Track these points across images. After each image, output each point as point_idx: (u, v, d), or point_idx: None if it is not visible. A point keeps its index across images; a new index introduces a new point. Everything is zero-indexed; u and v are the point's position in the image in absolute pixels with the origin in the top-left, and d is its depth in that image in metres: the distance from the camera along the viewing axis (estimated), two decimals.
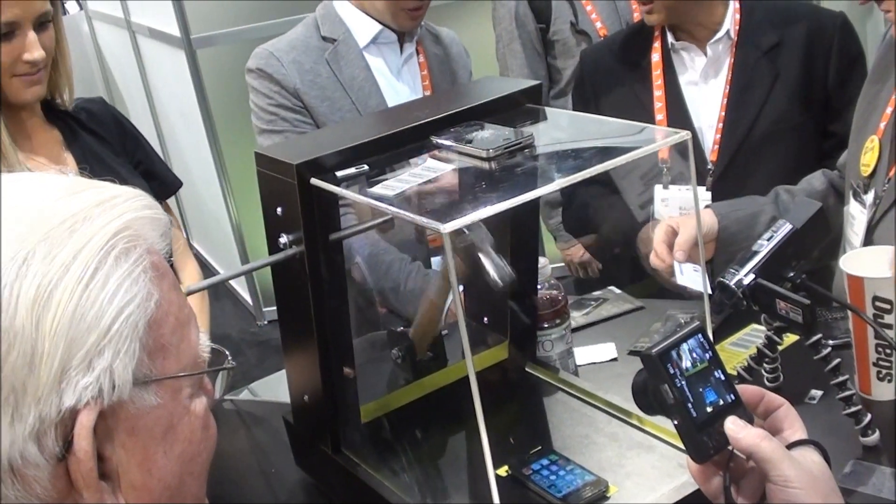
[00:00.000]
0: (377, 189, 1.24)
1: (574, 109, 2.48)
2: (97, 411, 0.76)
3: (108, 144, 2.05)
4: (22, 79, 1.83)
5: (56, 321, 0.74)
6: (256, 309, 4.90)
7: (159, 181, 2.15)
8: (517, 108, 1.45)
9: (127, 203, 0.83)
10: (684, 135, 1.19)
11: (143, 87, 5.33)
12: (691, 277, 1.77)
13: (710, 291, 1.48)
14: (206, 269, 5.31)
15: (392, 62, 2.31)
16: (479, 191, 1.21)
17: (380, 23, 2.25)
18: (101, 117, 2.09)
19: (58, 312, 0.74)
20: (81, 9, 6.02)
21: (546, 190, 1.14)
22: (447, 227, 1.05)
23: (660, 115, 2.25)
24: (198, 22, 4.28)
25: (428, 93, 2.31)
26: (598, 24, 2.89)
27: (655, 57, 2.28)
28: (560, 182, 1.14)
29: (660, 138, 1.27)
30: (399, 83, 2.31)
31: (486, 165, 1.25)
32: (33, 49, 1.80)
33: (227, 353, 0.95)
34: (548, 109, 1.48)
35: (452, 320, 1.92)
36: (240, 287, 5.08)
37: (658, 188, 2.25)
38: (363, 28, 2.26)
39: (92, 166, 1.93)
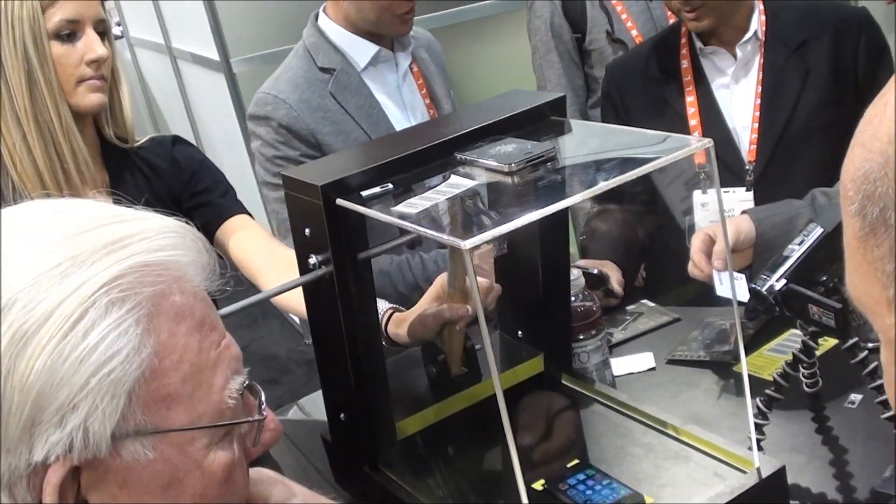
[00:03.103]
0: (401, 207, 1.25)
1: (603, 122, 2.47)
2: (67, 467, 0.74)
3: (156, 193, 1.92)
4: (86, 83, 1.76)
5: (27, 373, 0.71)
6: (304, 327, 4.93)
7: (213, 207, 1.97)
8: (542, 122, 1.44)
9: (141, 244, 0.79)
10: (706, 142, 1.19)
11: (186, 112, 5.39)
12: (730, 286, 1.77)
13: (745, 298, 1.47)
14: (251, 290, 5.34)
15: (391, 80, 2.28)
16: (501, 206, 1.21)
17: (375, 43, 2.22)
18: (158, 158, 1.95)
19: (30, 364, 0.71)
20: (122, 36, 6.10)
21: (567, 203, 1.14)
22: (468, 244, 1.05)
23: (693, 121, 2.24)
24: (236, 45, 4.32)
25: (427, 101, 2.30)
26: (634, 32, 2.88)
27: (684, 63, 2.27)
28: (582, 194, 1.14)
29: (684, 146, 1.26)
30: (402, 100, 2.29)
31: (508, 180, 1.25)
32: (96, 47, 1.74)
33: (262, 399, 0.88)
34: (572, 122, 1.47)
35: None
36: None
37: (697, 193, 2.24)
38: (359, 52, 2.22)
39: None
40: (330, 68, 2.21)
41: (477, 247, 1.06)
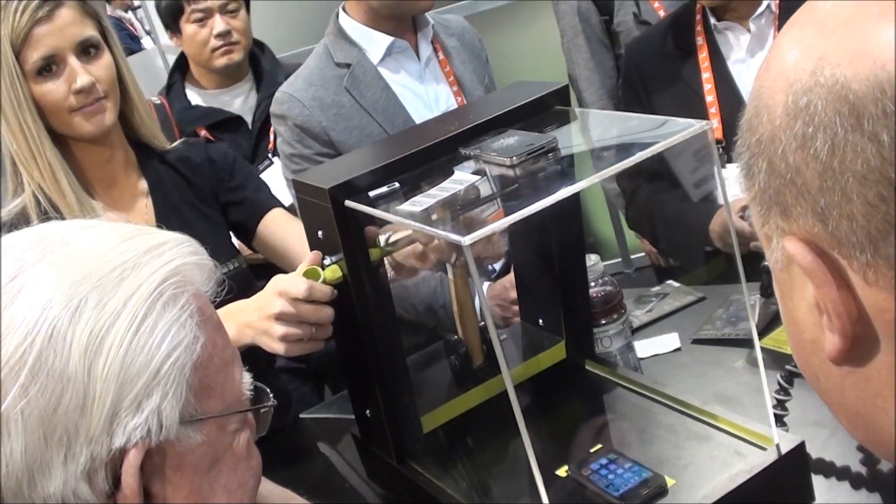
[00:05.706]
0: (406, 206, 1.26)
1: (623, 101, 2.48)
2: (144, 450, 0.80)
3: (197, 190, 1.98)
4: (81, 112, 1.74)
5: (108, 366, 0.78)
6: None
7: (250, 204, 2.03)
8: (546, 112, 1.45)
9: (175, 249, 0.87)
10: (704, 125, 1.19)
11: None
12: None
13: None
14: None
15: (412, 70, 2.27)
16: (503, 199, 1.22)
17: (392, 35, 2.22)
18: (195, 156, 2.00)
19: (109, 357, 0.78)
20: (155, 44, 6.13)
21: (566, 192, 1.14)
22: (468, 240, 1.06)
23: (710, 97, 2.24)
24: None
25: (455, 88, 2.28)
26: (662, 13, 2.87)
27: (699, 40, 2.27)
28: (579, 185, 1.15)
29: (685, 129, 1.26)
30: (424, 89, 2.28)
31: (510, 173, 1.26)
32: (78, 76, 1.71)
33: (268, 390, 0.99)
34: (577, 110, 1.48)
35: (509, 322, 1.94)
36: None
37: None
38: (374, 44, 2.23)
39: (169, 220, 1.78)
40: (346, 63, 2.22)
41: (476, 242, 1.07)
